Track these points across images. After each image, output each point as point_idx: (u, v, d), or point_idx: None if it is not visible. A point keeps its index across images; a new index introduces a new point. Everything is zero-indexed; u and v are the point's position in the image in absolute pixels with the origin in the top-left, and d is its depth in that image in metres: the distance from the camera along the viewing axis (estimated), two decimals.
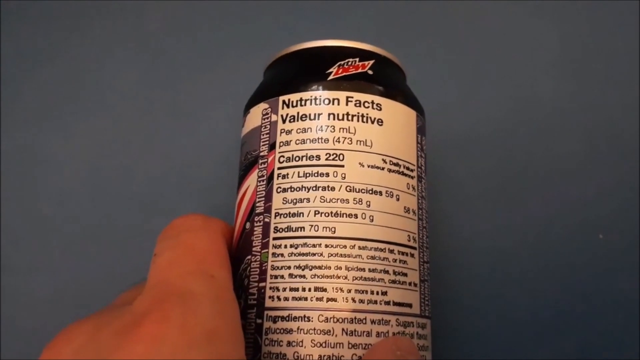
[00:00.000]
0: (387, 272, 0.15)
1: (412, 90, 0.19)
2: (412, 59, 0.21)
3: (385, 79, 0.18)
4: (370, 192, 0.16)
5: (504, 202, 0.24)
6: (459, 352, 0.21)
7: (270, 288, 0.15)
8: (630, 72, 0.27)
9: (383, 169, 0.16)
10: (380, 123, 0.17)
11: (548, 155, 0.25)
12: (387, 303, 0.15)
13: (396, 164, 0.16)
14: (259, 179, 0.17)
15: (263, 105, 0.18)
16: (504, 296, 0.23)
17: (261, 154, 0.17)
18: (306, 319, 0.14)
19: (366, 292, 0.15)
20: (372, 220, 0.15)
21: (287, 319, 0.14)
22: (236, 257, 0.17)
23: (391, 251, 0.15)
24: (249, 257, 0.16)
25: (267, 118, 0.17)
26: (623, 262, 0.23)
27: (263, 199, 0.16)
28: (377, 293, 0.15)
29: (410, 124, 0.18)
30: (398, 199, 0.16)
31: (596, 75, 0.27)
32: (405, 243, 0.16)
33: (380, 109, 0.17)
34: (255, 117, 0.18)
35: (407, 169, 0.17)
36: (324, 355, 0.14)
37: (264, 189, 0.16)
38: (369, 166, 0.16)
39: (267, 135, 0.17)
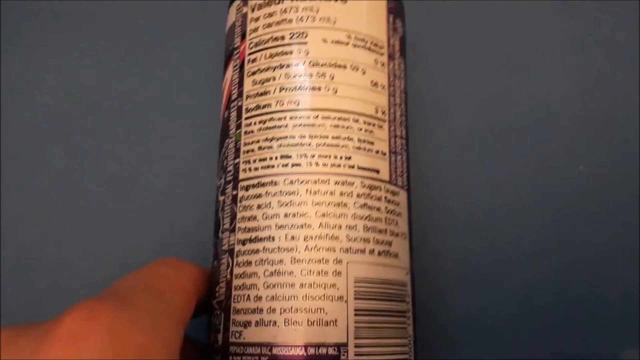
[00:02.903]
0: (351, 139, 0.16)
1: None
2: None
3: None
4: (334, 65, 0.16)
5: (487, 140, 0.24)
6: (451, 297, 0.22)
7: (244, 162, 0.16)
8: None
9: (347, 44, 0.16)
10: (343, 1, 0.17)
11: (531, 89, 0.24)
12: (351, 167, 0.15)
13: (362, 40, 0.17)
14: (234, 69, 0.18)
15: (237, 2, 0.18)
16: (485, 225, 0.22)
17: (235, 46, 0.18)
18: (273, 184, 0.15)
19: (329, 156, 0.15)
20: (335, 92, 0.16)
21: (257, 185, 0.15)
22: (220, 144, 0.18)
23: (356, 121, 0.16)
24: (227, 140, 0.17)
25: (240, 12, 0.18)
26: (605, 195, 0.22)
27: (237, 85, 0.17)
28: (341, 158, 0.15)
29: (379, 4, 0.18)
30: (364, 73, 0.16)
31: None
32: (372, 114, 0.16)
33: None
34: (231, 14, 0.19)
35: (375, 45, 0.17)
36: (290, 213, 0.15)
37: (238, 76, 0.17)
38: (332, 42, 0.16)
39: (240, 28, 0.18)
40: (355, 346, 0.14)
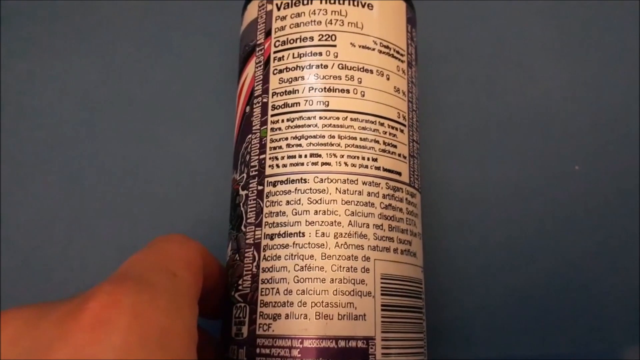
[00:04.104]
0: (377, 142, 0.16)
1: None
2: None
3: None
4: (362, 70, 0.17)
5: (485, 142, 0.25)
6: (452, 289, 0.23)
7: (270, 158, 0.16)
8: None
9: (374, 49, 0.17)
10: (370, 7, 0.17)
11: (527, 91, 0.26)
12: (378, 168, 0.16)
13: (386, 47, 0.17)
14: (257, 65, 0.18)
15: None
16: (480, 222, 0.24)
17: (258, 42, 0.18)
18: (303, 181, 0.15)
19: (358, 157, 0.16)
20: (363, 96, 0.16)
21: (285, 182, 0.16)
22: (238, 140, 0.18)
23: (381, 124, 0.16)
24: (249, 136, 0.17)
25: (263, 9, 0.18)
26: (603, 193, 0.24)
27: (261, 82, 0.17)
28: (368, 159, 0.16)
29: (400, 13, 0.18)
30: (388, 79, 0.17)
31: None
32: (395, 119, 0.17)
33: None
34: (252, 11, 0.19)
35: (397, 52, 0.18)
36: (320, 211, 0.15)
37: (262, 73, 0.17)
38: (360, 46, 0.17)
39: (263, 25, 0.18)
40: (382, 340, 0.14)
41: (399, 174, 0.16)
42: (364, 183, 0.16)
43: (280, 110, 0.16)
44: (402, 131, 0.17)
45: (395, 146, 0.17)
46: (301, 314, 0.14)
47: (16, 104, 0.25)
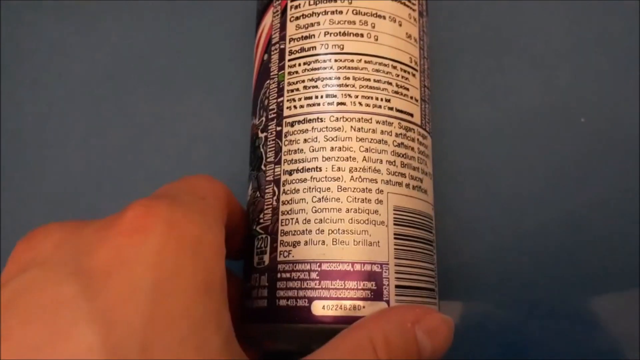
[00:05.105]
0: (390, 83, 0.17)
1: None
2: None
3: None
4: (375, 15, 0.17)
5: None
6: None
7: (288, 100, 0.17)
8: None
9: None
10: None
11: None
12: (391, 109, 0.17)
13: None
14: (274, 15, 0.18)
15: None
16: (488, 174, 0.24)
17: None
18: (319, 120, 0.16)
19: (371, 98, 0.17)
20: (376, 40, 0.17)
21: (302, 122, 0.16)
22: (256, 88, 0.19)
23: (394, 67, 0.17)
24: (267, 81, 0.18)
25: None
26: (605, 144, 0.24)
27: (278, 30, 0.18)
28: (382, 100, 0.17)
29: None
30: (400, 25, 0.18)
31: None
32: (407, 63, 0.18)
33: None
34: None
35: (409, 1, 0.18)
36: (335, 147, 0.16)
37: (279, 21, 0.18)
38: None
39: None
40: (395, 265, 0.15)
41: (411, 115, 0.17)
42: (377, 122, 0.16)
43: (297, 55, 0.17)
44: (414, 75, 0.18)
45: (407, 89, 0.17)
46: (319, 241, 0.15)
47: (17, 78, 0.26)
